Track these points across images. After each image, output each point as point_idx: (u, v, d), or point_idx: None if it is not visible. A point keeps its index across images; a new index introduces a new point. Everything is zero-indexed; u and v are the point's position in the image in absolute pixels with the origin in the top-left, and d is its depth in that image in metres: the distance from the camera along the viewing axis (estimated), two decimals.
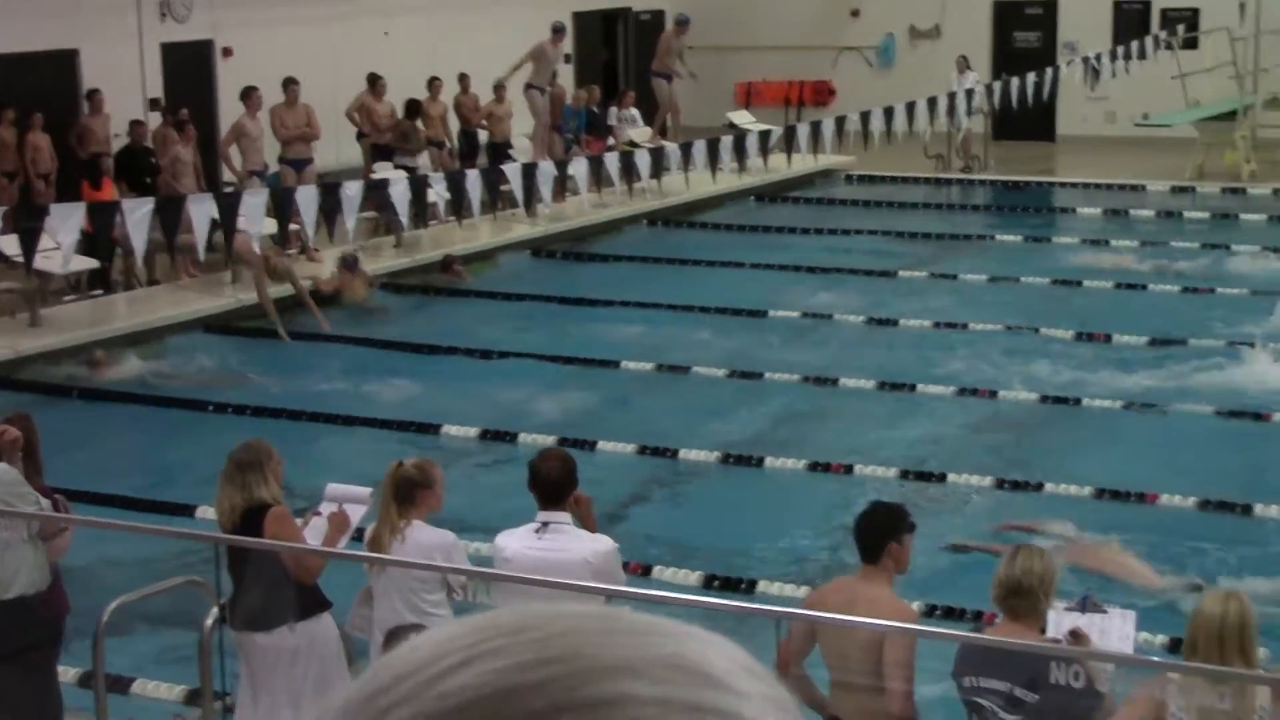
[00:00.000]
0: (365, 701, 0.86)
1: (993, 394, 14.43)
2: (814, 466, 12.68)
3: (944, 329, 16.80)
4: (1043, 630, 6.73)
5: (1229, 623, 6.21)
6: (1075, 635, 6.73)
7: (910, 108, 21.71)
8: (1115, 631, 6.81)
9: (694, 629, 0.91)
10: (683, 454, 13.07)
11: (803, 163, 23.38)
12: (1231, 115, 24.65)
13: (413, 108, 22.12)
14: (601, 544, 7.36)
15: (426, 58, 23.70)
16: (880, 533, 7.08)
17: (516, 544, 7.41)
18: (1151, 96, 25.78)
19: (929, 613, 9.82)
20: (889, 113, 21.32)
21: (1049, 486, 12.10)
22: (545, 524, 7.34)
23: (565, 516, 7.37)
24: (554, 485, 7.40)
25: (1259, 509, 11.57)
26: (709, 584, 10.40)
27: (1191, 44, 25.81)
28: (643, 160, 19.92)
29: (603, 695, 0.84)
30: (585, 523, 7.51)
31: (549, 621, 0.89)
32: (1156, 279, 18.58)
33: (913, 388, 14.71)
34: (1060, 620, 6.87)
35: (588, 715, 0.83)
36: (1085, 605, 6.89)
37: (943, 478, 12.34)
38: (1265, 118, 25.58)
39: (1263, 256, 19.52)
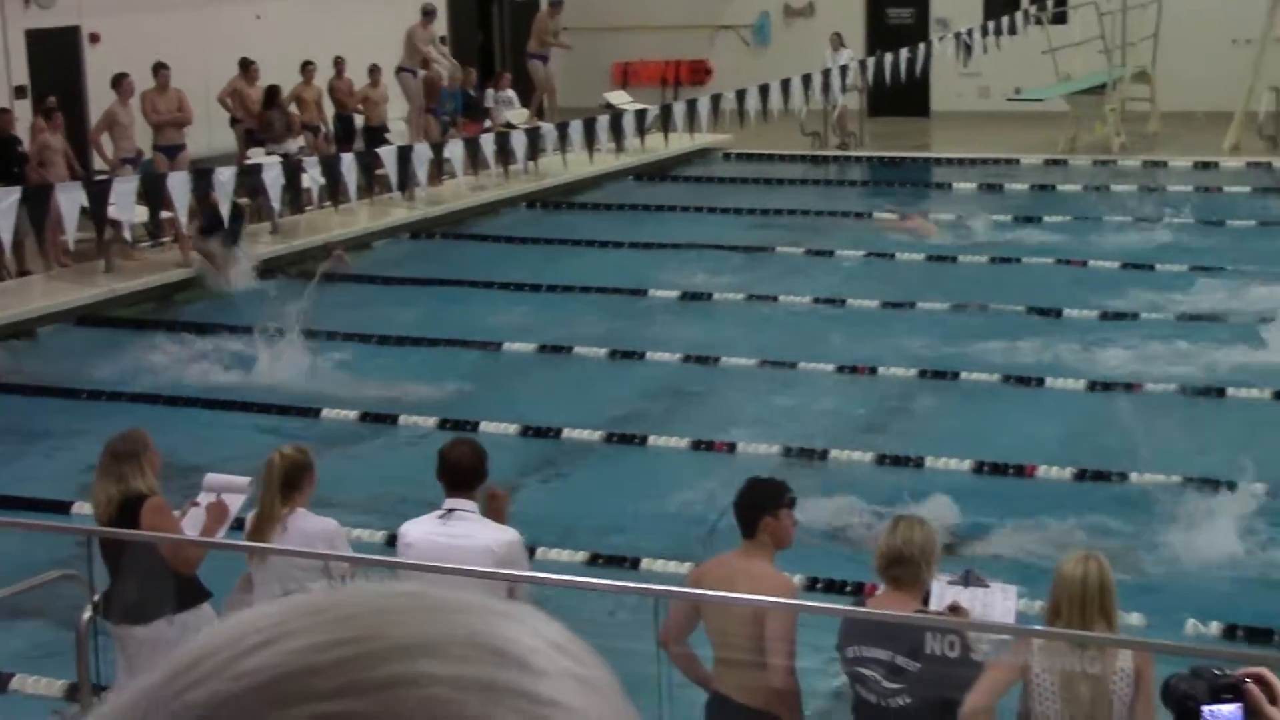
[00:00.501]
0: (167, 682, 0.85)
1: (872, 370, 14.54)
2: (696, 445, 12.72)
3: (823, 305, 16.91)
4: (926, 600, 6.81)
5: (1089, 584, 6.31)
6: (954, 610, 6.82)
7: (786, 85, 21.81)
8: (997, 605, 6.90)
9: (506, 606, 0.91)
10: (565, 434, 13.06)
11: (680, 142, 23.43)
12: (1101, 89, 24.98)
13: (271, 96, 21.85)
14: (506, 534, 7.33)
15: (300, 41, 23.48)
16: (757, 508, 7.13)
17: (420, 531, 7.37)
18: (1023, 71, 26.08)
19: (811, 586, 9.89)
20: (764, 91, 21.40)
21: (929, 461, 12.22)
22: (450, 510, 7.29)
23: (471, 504, 7.32)
24: (462, 472, 7.35)
25: (1134, 477, 11.75)
26: (593, 563, 10.41)
27: (1061, 19, 26.11)
28: (519, 142, 19.86)
29: (396, 675, 0.84)
30: (498, 518, 7.48)
31: (352, 602, 0.88)
32: (1031, 252, 18.79)
33: (793, 365, 14.79)
34: (943, 593, 6.95)
35: (380, 695, 0.83)
36: (968, 579, 6.98)
37: (824, 454, 12.43)
38: (1134, 90, 25.95)
39: (1134, 228, 19.81)
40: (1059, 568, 6.50)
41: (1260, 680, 3.02)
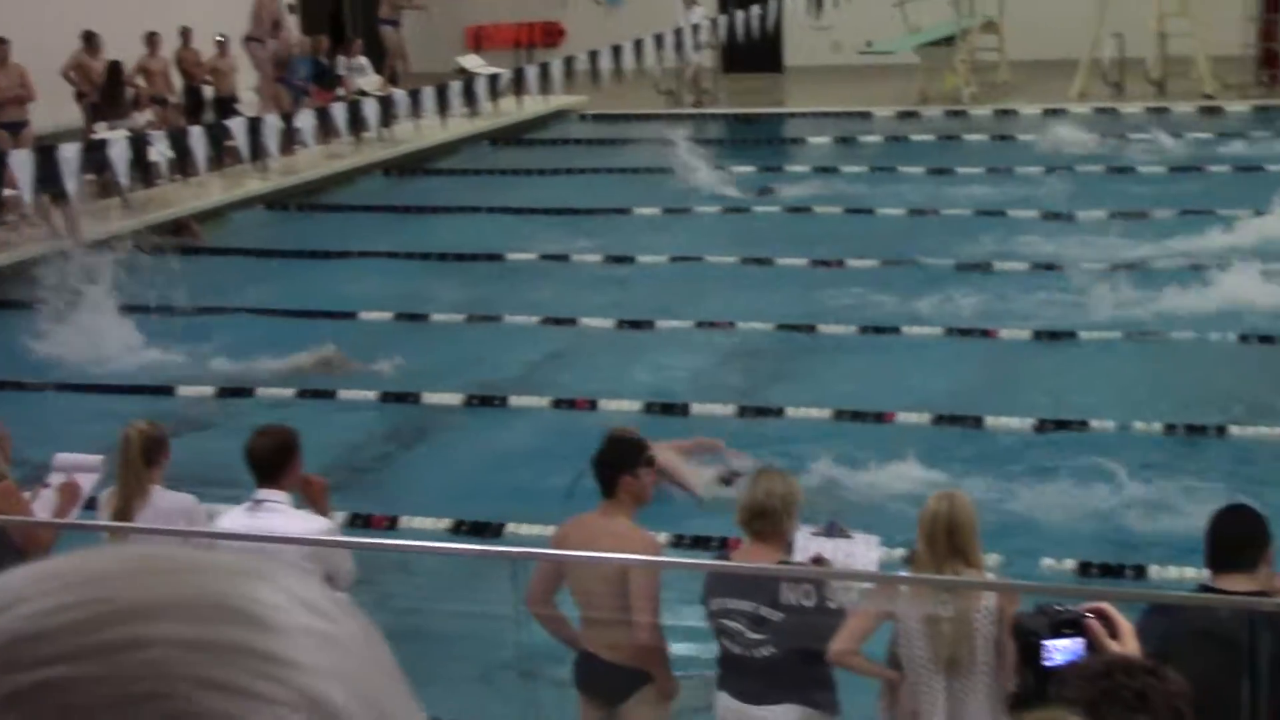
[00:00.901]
0: None
1: (731, 325, 14.60)
2: (558, 404, 12.71)
3: (680, 263, 16.95)
4: (789, 551, 6.86)
5: (950, 520, 6.40)
6: (818, 561, 6.88)
7: (639, 45, 21.78)
8: (859, 555, 6.97)
9: (250, 564, 0.89)
10: (425, 398, 13.00)
11: (535, 105, 23.35)
12: (950, 40, 25.22)
13: (115, 69, 21.41)
14: (316, 524, 7.18)
15: (145, 12, 23.06)
16: (616, 466, 7.14)
17: (227, 523, 7.25)
18: (874, 25, 26.27)
19: (676, 542, 9.92)
20: (618, 51, 21.35)
21: (790, 411, 12.30)
22: (259, 502, 7.15)
23: (280, 495, 7.16)
24: (264, 463, 7.20)
25: (989, 421, 11.91)
26: (457, 530, 10.37)
27: None
28: (372, 109, 19.67)
29: (125, 637, 0.82)
30: (316, 506, 7.35)
31: (90, 565, 0.86)
32: (885, 203, 18.93)
33: (652, 323, 14.82)
34: (807, 544, 7.01)
35: (108, 658, 0.81)
36: (831, 530, 7.04)
37: (685, 409, 12.47)
38: (982, 41, 26.23)
39: (987, 177, 20.04)
40: (924, 507, 6.58)
41: (1101, 615, 3.08)
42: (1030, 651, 3.02)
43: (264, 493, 7.14)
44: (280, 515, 7.11)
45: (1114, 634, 3.05)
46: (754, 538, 6.83)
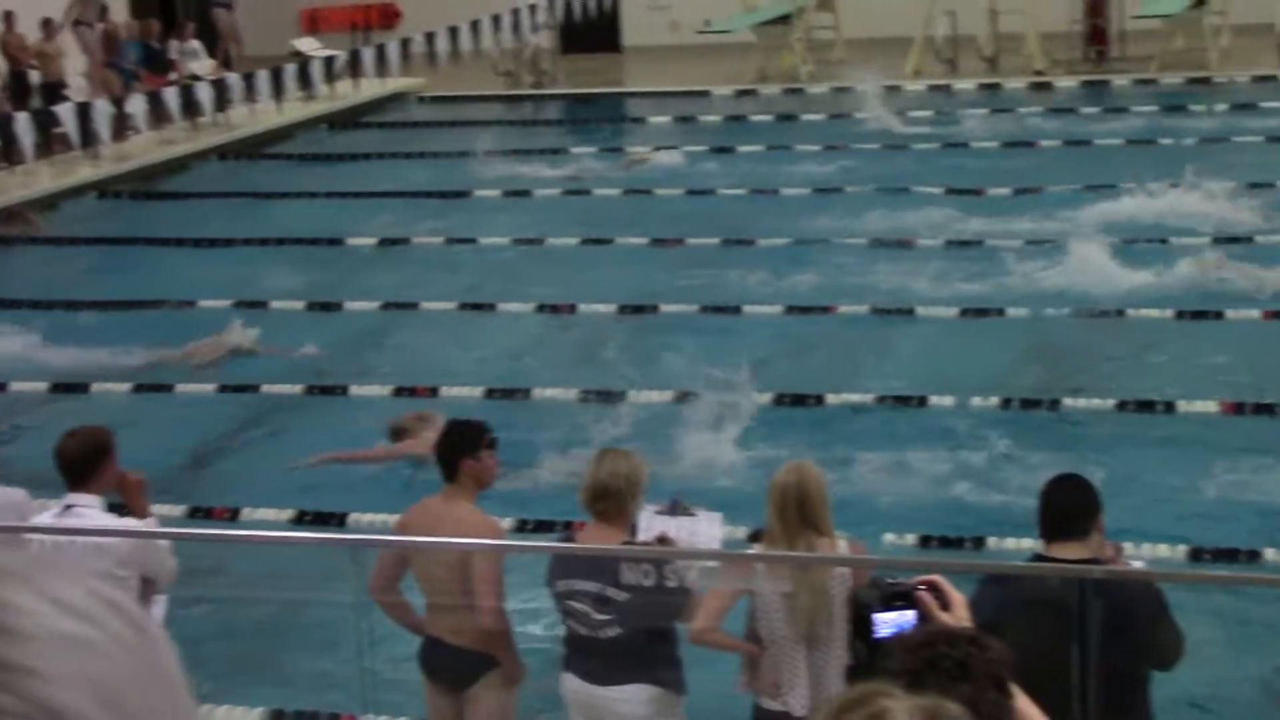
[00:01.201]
0: None
1: (571, 308, 14.60)
2: (399, 391, 12.63)
3: (522, 245, 16.91)
4: (633, 531, 6.87)
5: (799, 491, 6.46)
6: (662, 540, 6.89)
7: (475, 26, 21.67)
8: (703, 532, 7.00)
9: (15, 567, 0.86)
10: (265, 389, 12.85)
11: (372, 88, 23.17)
12: (787, 19, 25.38)
13: None
14: (126, 526, 7.06)
15: None
16: (456, 450, 7.11)
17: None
18: (711, 4, 26.36)
19: (521, 526, 9.91)
20: (454, 32, 21.24)
21: (632, 395, 12.33)
22: (68, 507, 7.01)
23: (90, 499, 7.00)
24: (74, 465, 7.04)
25: (830, 397, 12.03)
26: (299, 520, 10.27)
27: None
28: (205, 93, 19.39)
29: None
30: (133, 505, 7.21)
31: None
32: (725, 182, 19.01)
33: (493, 306, 14.78)
34: (650, 523, 7.02)
35: None
36: (674, 508, 7.06)
37: (527, 393, 12.45)
38: (818, 19, 26.44)
39: (824, 155, 20.21)
40: (774, 479, 6.63)
41: (933, 587, 3.12)
42: (862, 624, 3.05)
43: (74, 497, 6.99)
44: (88, 521, 6.96)
45: (945, 606, 3.10)
46: (598, 518, 6.84)
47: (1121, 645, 5.73)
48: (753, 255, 16.08)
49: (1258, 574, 9.09)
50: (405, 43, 21.12)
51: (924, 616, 3.02)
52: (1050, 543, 6.04)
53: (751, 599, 6.61)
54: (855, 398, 12.01)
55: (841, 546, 6.68)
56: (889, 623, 3.01)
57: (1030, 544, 6.53)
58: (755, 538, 9.71)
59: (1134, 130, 20.15)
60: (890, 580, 3.12)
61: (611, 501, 6.76)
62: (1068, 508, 6.04)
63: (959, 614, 3.09)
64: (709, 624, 6.62)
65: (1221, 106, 21.10)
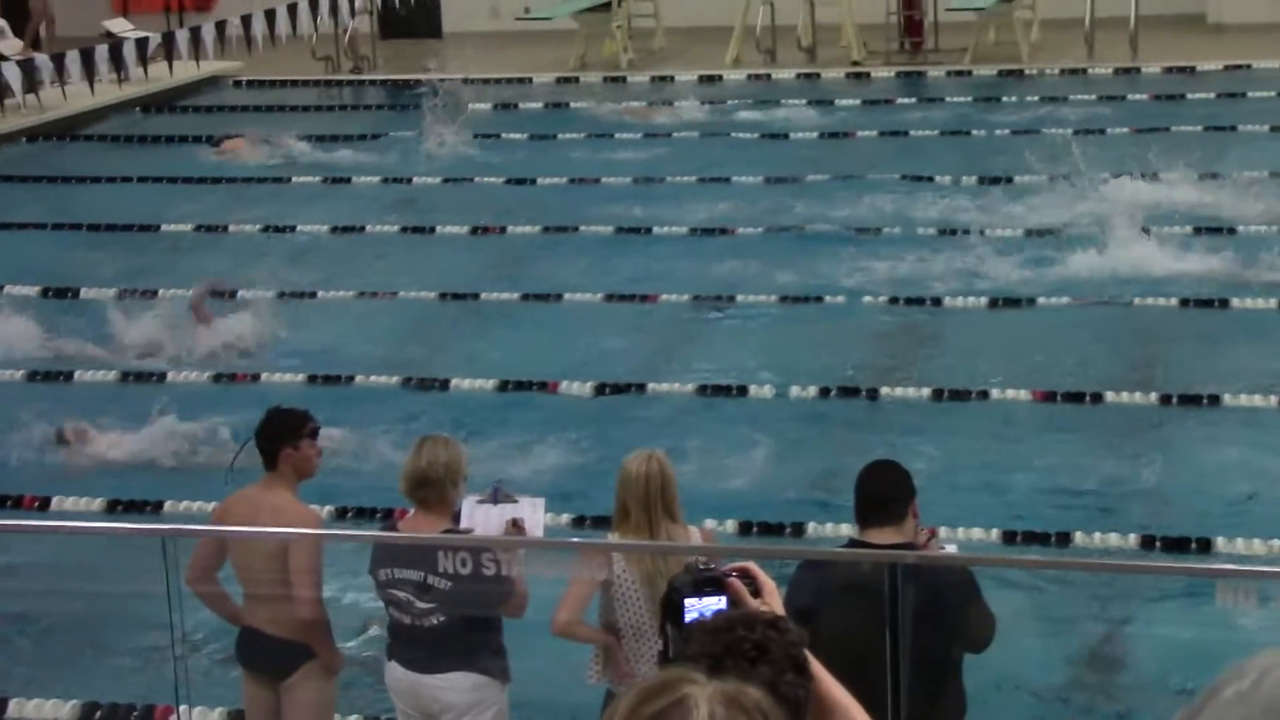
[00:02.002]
0: None
1: (393, 294, 14.51)
2: (218, 378, 12.48)
3: (341, 234, 16.77)
4: (456, 518, 6.87)
5: (652, 482, 6.53)
6: (516, 525, 6.90)
7: (293, 10, 21.42)
8: (527, 518, 7.02)
9: None
10: (79, 377, 12.62)
11: (187, 70, 22.78)
12: (607, 6, 25.40)
13: None
14: None
15: None
16: (277, 439, 7.07)
17: None
18: None
19: (341, 515, 9.85)
20: (271, 16, 20.97)
21: (455, 382, 12.31)
22: None
23: None
24: None
25: (651, 387, 12.11)
26: (112, 509, 10.11)
27: None
28: (13, 74, 18.94)
29: None
30: None
31: None
32: (547, 170, 18.96)
33: (314, 294, 14.64)
34: (472, 511, 7.03)
35: None
36: (497, 496, 7.08)
37: (350, 379, 12.37)
38: (638, 8, 26.49)
39: (645, 143, 20.26)
40: (623, 468, 6.67)
41: (745, 573, 3.15)
42: (673, 609, 3.08)
43: None
44: None
45: (757, 592, 3.13)
46: (419, 506, 6.84)
47: (933, 629, 5.84)
48: (574, 243, 16.11)
49: (1068, 558, 9.33)
50: (220, 25, 20.79)
51: (735, 602, 3.06)
52: (865, 528, 6.15)
53: (608, 588, 6.65)
54: (676, 386, 12.10)
55: (694, 534, 6.79)
56: (700, 608, 3.04)
57: (849, 530, 6.64)
58: (578, 522, 9.77)
59: (948, 121, 20.49)
60: (702, 565, 3.15)
61: (432, 489, 6.76)
62: (881, 493, 6.15)
63: (770, 601, 3.13)
64: (572, 615, 6.65)
65: (1033, 98, 21.55)
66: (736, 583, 3.09)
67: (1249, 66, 22.28)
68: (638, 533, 6.62)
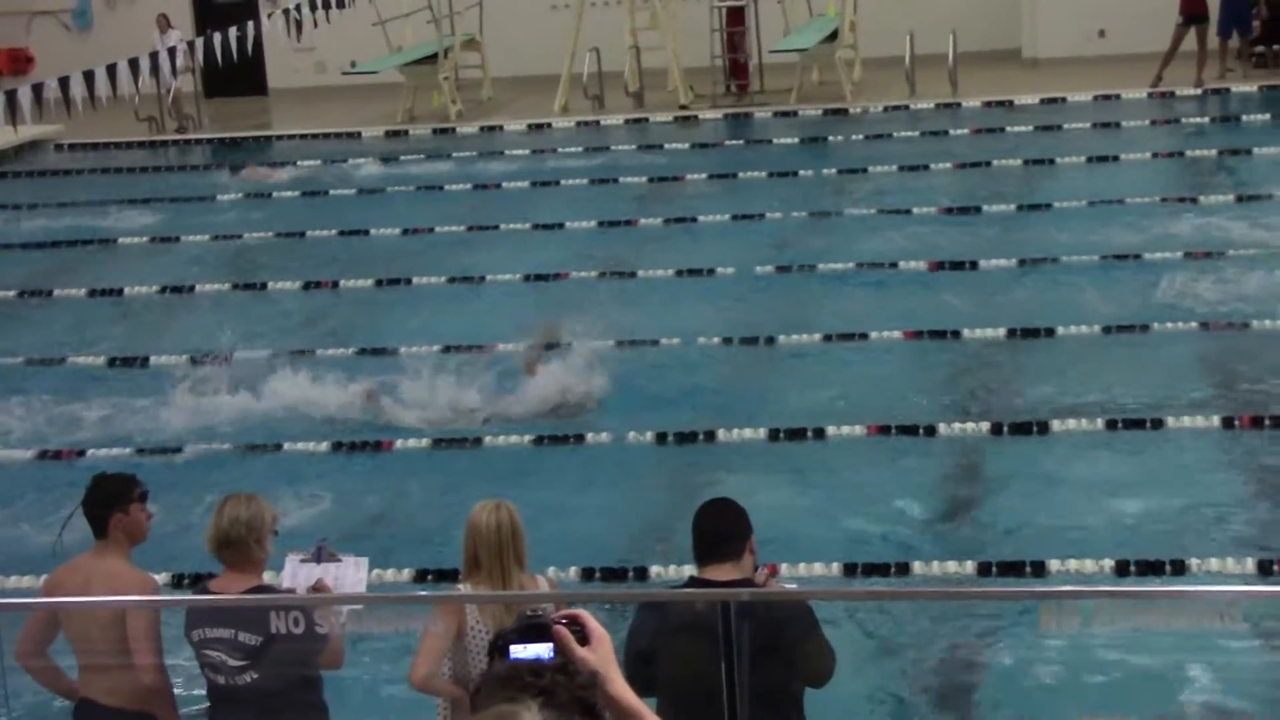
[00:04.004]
0: None
1: (228, 357, 14.34)
2: (43, 455, 12.26)
3: (170, 294, 16.55)
4: (259, 573, 6.80)
5: (503, 531, 6.55)
6: (316, 588, 6.85)
7: (113, 71, 21.11)
8: (349, 577, 6.98)
9: None
10: None
11: (4, 135, 22.37)
12: (433, 58, 25.41)
13: None
14: None
15: None
16: (105, 506, 6.96)
17: None
18: (357, 45, 26.23)
19: (177, 582, 9.71)
20: (90, 77, 20.67)
21: (288, 446, 12.19)
22: None
23: None
24: None
25: (489, 440, 12.08)
26: None
27: None
28: None
29: None
30: None
31: None
32: (378, 223, 18.86)
33: (145, 360, 14.44)
34: (296, 570, 6.97)
35: None
36: (320, 555, 7.02)
37: (179, 449, 12.21)
38: (465, 59, 26.53)
39: (476, 194, 20.24)
40: (471, 518, 6.66)
41: (575, 621, 3.15)
42: (500, 654, 3.07)
43: None
44: None
45: (585, 639, 3.13)
46: (227, 566, 6.76)
47: (773, 664, 5.87)
48: (410, 295, 16.05)
49: (904, 588, 9.43)
50: (37, 88, 20.39)
51: (560, 650, 3.05)
52: (703, 565, 6.18)
53: (461, 639, 6.62)
54: (514, 438, 12.08)
55: (542, 584, 6.81)
56: (525, 654, 3.03)
57: (692, 570, 6.66)
58: (420, 577, 9.70)
59: (777, 162, 20.72)
60: (530, 612, 3.14)
61: (235, 549, 6.69)
62: (717, 531, 6.19)
63: (599, 647, 3.13)
64: (431, 669, 6.60)
65: (858, 136, 21.87)
66: (562, 630, 3.08)
67: (1064, 100, 22.82)
68: (489, 582, 6.61)
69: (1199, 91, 22.74)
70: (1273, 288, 14.28)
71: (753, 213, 18.04)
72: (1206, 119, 21.71)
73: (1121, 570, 9.28)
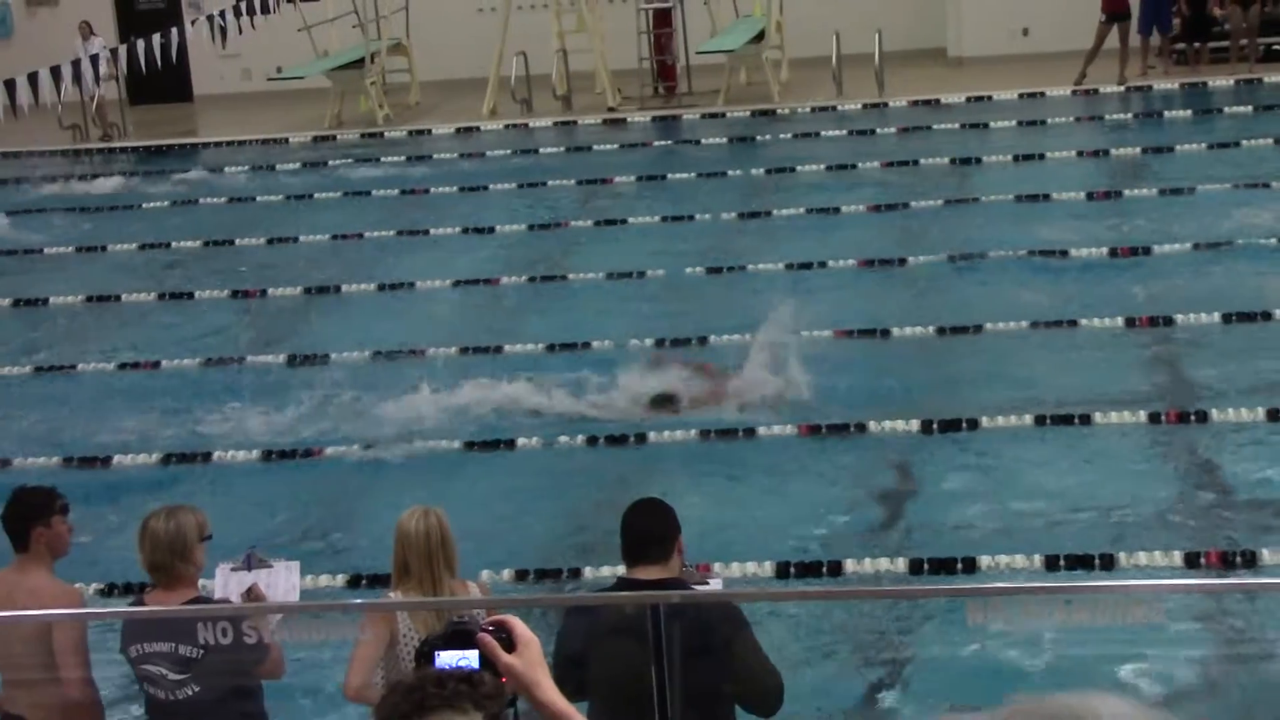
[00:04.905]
0: None
1: (155, 365, 14.24)
2: None
3: (95, 303, 16.43)
4: (194, 584, 6.75)
5: (432, 538, 6.52)
6: (251, 594, 6.81)
7: (34, 79, 20.93)
8: (281, 583, 6.94)
9: None
10: None
11: None
12: (360, 63, 25.31)
13: None
14: None
15: None
16: (26, 520, 6.89)
17: None
18: (283, 50, 26.07)
19: (108, 591, 9.62)
20: (11, 86, 20.47)
21: (218, 455, 12.10)
22: None
23: None
24: None
25: (418, 444, 12.04)
26: None
27: None
28: None
29: None
30: None
31: None
32: (306, 229, 18.77)
33: (73, 367, 14.34)
34: (227, 580, 6.93)
35: None
36: (250, 562, 6.98)
37: (108, 461, 12.11)
38: (392, 63, 26.44)
39: (404, 199, 20.16)
40: (400, 525, 6.63)
41: (502, 627, 3.14)
42: (425, 661, 3.06)
43: None
44: None
45: (511, 645, 3.12)
46: (159, 580, 6.70)
47: (703, 665, 5.87)
48: (338, 303, 15.98)
49: (840, 587, 9.47)
50: None
51: (485, 656, 3.04)
52: (631, 566, 6.19)
53: (393, 647, 6.59)
54: (444, 444, 12.05)
55: (473, 588, 6.80)
56: (450, 661, 3.02)
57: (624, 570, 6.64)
58: (380, 581, 9.66)
59: (706, 163, 20.74)
60: (457, 619, 3.13)
61: (163, 570, 6.62)
62: (646, 531, 6.20)
63: (526, 653, 3.12)
64: (364, 680, 6.56)
65: (786, 136, 21.93)
66: (486, 637, 3.08)
67: (990, 98, 22.96)
68: (420, 589, 6.59)
69: (1122, 89, 22.93)
70: (1197, 283, 14.41)
71: (682, 214, 18.07)
72: (1129, 116, 21.89)
73: (1051, 565, 9.33)
